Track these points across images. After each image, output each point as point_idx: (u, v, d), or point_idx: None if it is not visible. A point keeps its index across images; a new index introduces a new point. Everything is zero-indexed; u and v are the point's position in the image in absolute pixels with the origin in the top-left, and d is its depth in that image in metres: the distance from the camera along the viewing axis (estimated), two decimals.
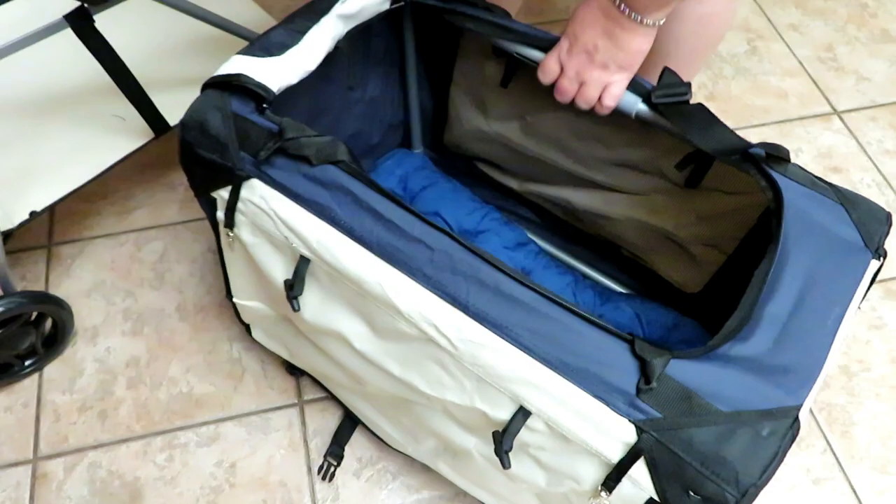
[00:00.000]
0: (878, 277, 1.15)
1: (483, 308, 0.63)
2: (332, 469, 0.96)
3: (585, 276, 1.05)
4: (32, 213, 0.93)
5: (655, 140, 0.88)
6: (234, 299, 0.92)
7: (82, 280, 1.13)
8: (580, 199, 1.02)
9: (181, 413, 1.01)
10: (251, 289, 0.88)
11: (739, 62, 1.47)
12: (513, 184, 1.10)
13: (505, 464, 0.65)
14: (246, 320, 0.97)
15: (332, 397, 1.01)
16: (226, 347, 1.07)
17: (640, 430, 0.58)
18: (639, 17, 0.72)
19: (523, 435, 0.66)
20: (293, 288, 0.74)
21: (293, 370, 1.03)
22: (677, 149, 0.87)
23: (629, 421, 0.59)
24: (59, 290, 1.11)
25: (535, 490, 0.75)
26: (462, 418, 0.73)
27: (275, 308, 0.88)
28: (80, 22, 0.82)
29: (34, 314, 0.98)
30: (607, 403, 0.60)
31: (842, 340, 0.65)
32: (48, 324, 1.01)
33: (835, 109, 1.41)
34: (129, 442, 0.98)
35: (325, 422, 1.01)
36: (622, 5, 0.71)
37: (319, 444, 0.99)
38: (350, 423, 0.99)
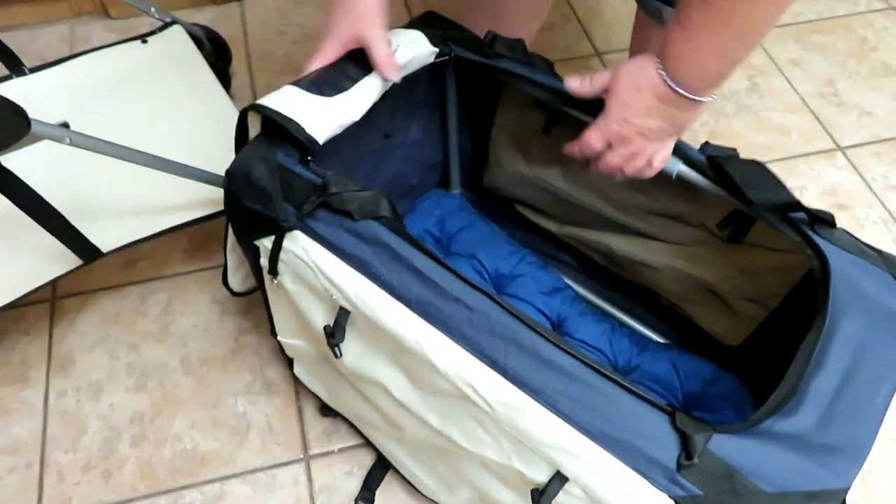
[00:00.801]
0: None
1: (521, 372, 0.63)
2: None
3: (622, 324, 1.04)
4: None
5: (697, 195, 0.87)
6: (279, 337, 0.93)
7: (87, 334, 1.12)
8: (620, 245, 1.01)
9: (186, 471, 1.00)
10: (294, 329, 0.89)
11: (740, 99, 1.47)
12: (552, 227, 1.09)
13: None
14: (290, 355, 0.99)
15: (340, 451, 1.00)
16: (231, 402, 1.06)
17: None
18: (698, 97, 0.71)
19: (561, 498, 0.65)
20: (334, 336, 0.74)
21: (326, 412, 1.03)
22: (719, 205, 0.85)
23: (669, 497, 0.57)
24: (63, 344, 1.11)
25: None
26: (500, 473, 0.73)
27: (317, 348, 0.88)
28: None
29: None
30: (646, 477, 0.58)
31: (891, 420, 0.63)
32: None
33: (838, 145, 1.40)
34: (133, 502, 0.97)
35: (331, 477, 0.99)
36: (680, 89, 0.70)
37: (325, 500, 0.98)
38: (381, 467, 0.98)
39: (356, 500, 0.96)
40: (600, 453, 0.60)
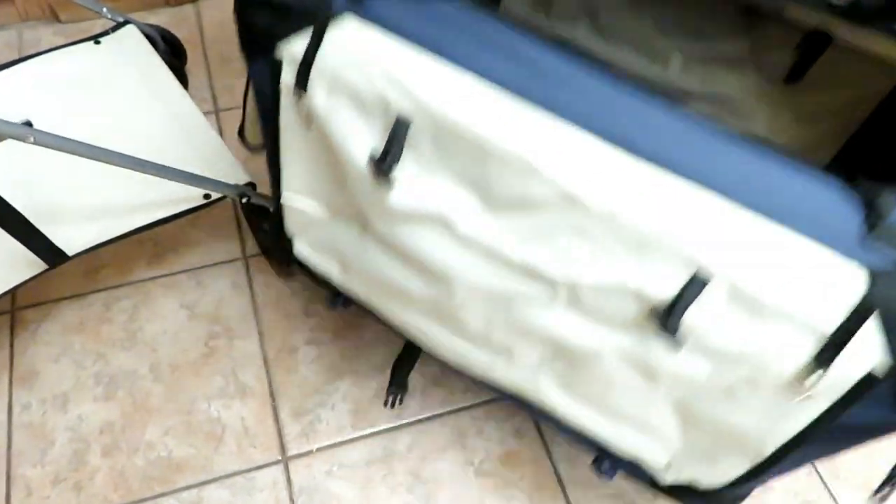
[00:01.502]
0: None
1: (659, 146, 0.51)
2: (400, 397, 0.92)
3: None
4: None
5: (760, 28, 0.79)
6: (284, 195, 0.78)
7: (50, 345, 1.09)
8: None
9: (161, 479, 0.97)
10: (309, 178, 0.74)
11: None
12: None
13: (678, 339, 0.54)
14: (291, 228, 0.83)
15: (319, 451, 0.99)
16: (204, 406, 1.04)
17: (874, 278, 0.46)
18: None
19: (693, 314, 0.53)
20: (387, 157, 0.60)
21: (334, 301, 0.88)
22: (786, 35, 0.76)
23: (859, 266, 0.47)
24: (25, 356, 1.07)
25: (683, 392, 0.61)
26: (595, 308, 0.59)
27: (335, 203, 0.74)
28: None
29: None
30: (828, 245, 0.47)
31: None
32: None
33: None
34: None
35: (311, 477, 0.98)
36: None
37: (306, 501, 0.96)
38: (409, 356, 0.90)
39: (388, 390, 0.89)
40: (764, 228, 0.49)
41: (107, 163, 0.85)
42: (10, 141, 0.75)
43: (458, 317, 0.70)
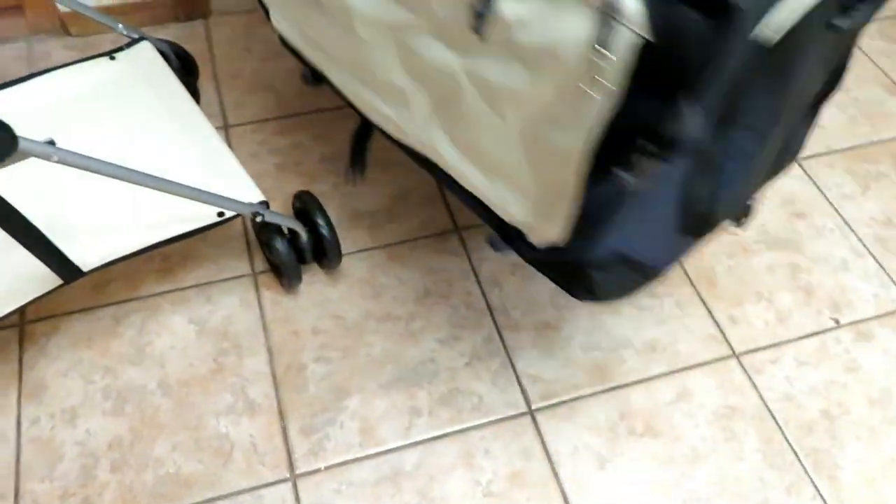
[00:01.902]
0: (849, 321, 1.19)
1: None
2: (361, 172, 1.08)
3: None
4: None
5: None
6: None
7: (59, 359, 1.09)
8: None
9: (169, 495, 0.97)
10: None
11: None
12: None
13: (478, 28, 0.66)
14: (267, 2, 1.03)
15: (327, 469, 1.00)
16: (213, 423, 1.04)
17: None
18: None
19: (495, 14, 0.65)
20: None
21: (313, 78, 1.07)
22: None
23: None
24: (34, 370, 1.07)
25: (522, 123, 0.72)
26: (443, 28, 0.74)
27: None
28: None
29: None
30: None
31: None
32: None
33: None
34: None
35: (319, 496, 0.99)
36: None
37: None
38: (364, 132, 1.07)
39: (350, 165, 1.04)
40: None
41: (125, 181, 0.86)
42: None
43: (367, 64, 0.88)
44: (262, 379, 1.09)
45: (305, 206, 1.13)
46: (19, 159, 0.72)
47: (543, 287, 1.20)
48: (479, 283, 1.21)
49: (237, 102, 1.46)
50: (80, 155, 0.78)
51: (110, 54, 1.23)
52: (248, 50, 1.56)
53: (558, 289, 1.19)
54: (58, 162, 0.76)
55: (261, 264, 1.21)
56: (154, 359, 1.10)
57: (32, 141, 0.73)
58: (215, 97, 1.46)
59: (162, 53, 1.26)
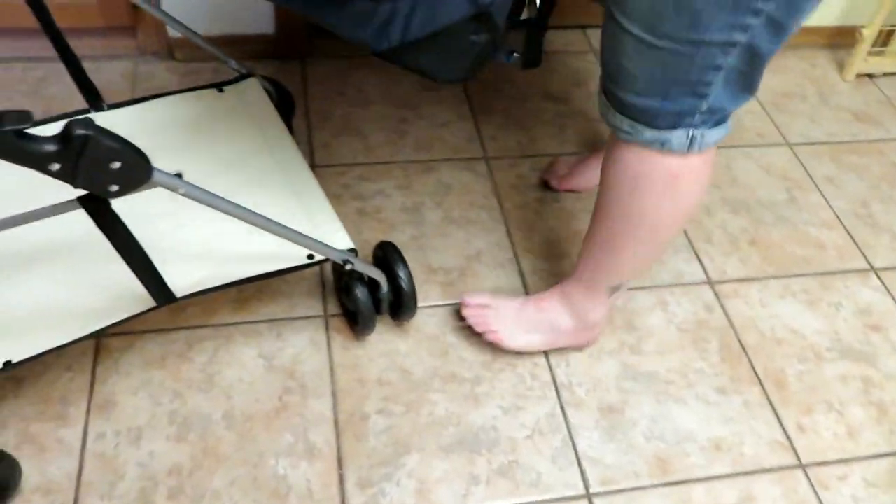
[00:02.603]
0: None
1: None
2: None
3: None
4: (6, 364, 0.91)
5: None
6: None
7: (130, 376, 1.11)
8: None
9: None
10: None
11: (779, 210, 1.52)
12: None
13: None
14: None
15: None
16: (272, 462, 1.04)
17: None
18: None
19: None
20: None
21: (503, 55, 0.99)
22: None
23: None
24: (106, 385, 1.09)
25: None
26: None
27: None
28: (95, 206, 0.78)
29: None
30: None
31: None
32: None
33: (871, 266, 1.45)
34: None
35: None
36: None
37: None
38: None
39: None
40: None
41: (236, 218, 0.88)
42: None
43: None
44: (324, 423, 1.09)
45: (388, 257, 1.14)
46: (148, 188, 0.75)
47: (611, 367, 1.19)
48: (546, 355, 1.20)
49: (325, 143, 1.50)
50: (204, 190, 0.81)
51: (219, 87, 1.28)
52: (341, 94, 1.61)
53: (625, 371, 1.19)
54: (182, 195, 0.79)
55: (333, 307, 1.23)
56: (222, 389, 1.11)
57: (164, 172, 0.76)
58: (305, 136, 1.50)
59: (266, 91, 1.30)
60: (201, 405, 1.09)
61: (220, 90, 1.27)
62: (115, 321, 0.96)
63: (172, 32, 1.58)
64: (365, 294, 1.11)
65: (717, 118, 0.87)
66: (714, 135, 0.88)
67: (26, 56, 1.57)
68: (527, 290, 1.29)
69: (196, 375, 1.12)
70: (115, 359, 1.12)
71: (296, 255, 1.05)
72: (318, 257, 1.05)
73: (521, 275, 1.31)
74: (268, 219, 0.92)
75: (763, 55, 0.79)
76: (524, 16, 0.88)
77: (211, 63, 1.61)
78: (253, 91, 1.28)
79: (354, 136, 1.52)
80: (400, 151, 1.50)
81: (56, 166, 0.68)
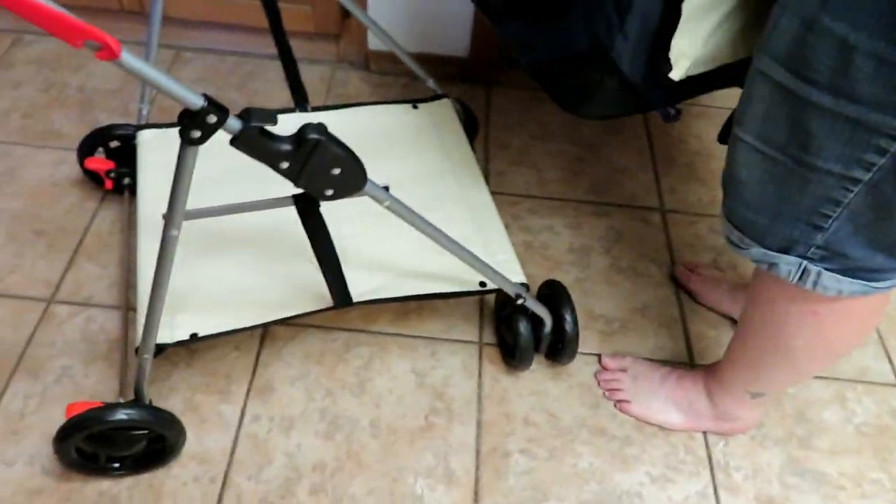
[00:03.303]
0: None
1: None
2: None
3: None
4: (193, 336, 0.96)
5: None
6: None
7: (290, 366, 1.14)
8: None
9: None
10: None
11: None
12: None
13: None
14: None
15: None
16: (410, 480, 1.04)
17: None
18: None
19: None
20: None
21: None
22: None
23: None
24: (267, 369, 1.14)
25: None
26: None
27: None
28: (306, 205, 0.84)
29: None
30: None
31: None
32: (162, 442, 0.99)
33: None
34: None
35: None
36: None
37: None
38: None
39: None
40: None
41: (424, 234, 0.89)
42: None
43: None
44: (466, 452, 1.07)
45: (554, 297, 1.12)
46: (356, 196, 0.77)
47: (775, 457, 1.10)
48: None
49: (500, 171, 1.50)
50: (407, 208, 0.82)
51: (414, 103, 1.31)
52: (522, 125, 1.61)
53: (790, 464, 1.09)
54: (386, 208, 0.80)
55: (488, 336, 1.22)
56: (372, 396, 1.12)
57: (375, 184, 0.78)
58: (481, 162, 1.51)
59: (456, 112, 1.32)
60: (351, 408, 1.11)
61: (415, 106, 1.31)
62: (293, 314, 0.99)
63: (372, 45, 1.64)
64: (528, 330, 1.10)
65: (844, 264, 0.74)
66: (839, 282, 0.75)
67: (240, 51, 1.69)
68: (691, 356, 1.22)
69: (350, 378, 1.14)
70: (279, 347, 1.17)
71: (469, 281, 1.05)
72: (491, 286, 1.04)
73: (687, 338, 1.25)
74: (456, 242, 0.92)
75: (888, 209, 0.67)
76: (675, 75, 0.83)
77: (402, 78, 1.67)
78: (445, 111, 1.31)
79: (530, 168, 1.52)
80: (574, 190, 1.48)
81: (285, 164, 0.71)
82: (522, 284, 1.05)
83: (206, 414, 1.08)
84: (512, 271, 1.07)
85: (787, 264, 0.76)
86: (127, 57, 0.58)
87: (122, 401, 0.93)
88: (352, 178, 0.75)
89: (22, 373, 1.10)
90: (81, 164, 1.27)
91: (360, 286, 1.02)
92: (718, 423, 1.09)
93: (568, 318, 1.10)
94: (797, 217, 0.72)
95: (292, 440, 1.06)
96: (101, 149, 1.26)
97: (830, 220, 0.70)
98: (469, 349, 1.20)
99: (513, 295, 1.03)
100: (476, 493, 1.04)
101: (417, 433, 1.09)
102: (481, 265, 0.98)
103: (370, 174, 0.77)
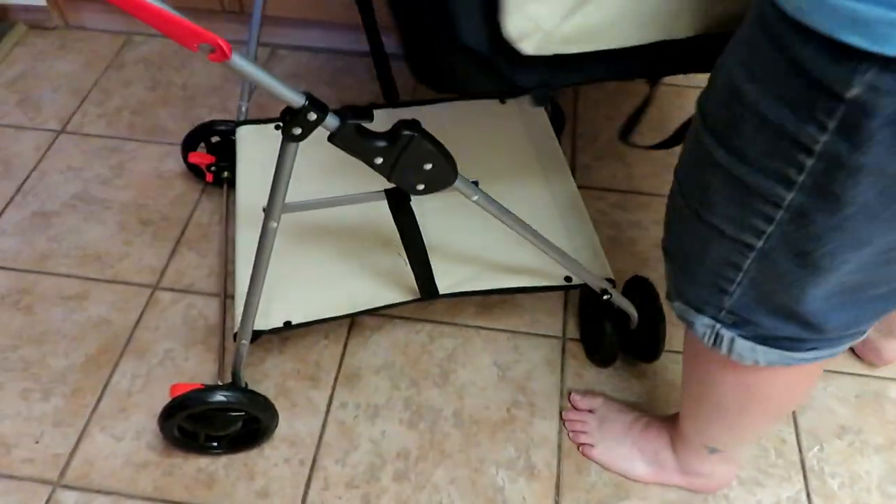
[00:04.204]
0: None
1: None
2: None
3: None
4: (286, 324, 1.00)
5: None
6: None
7: (376, 356, 1.18)
8: None
9: None
10: None
11: None
12: None
13: None
14: None
15: None
16: (492, 471, 1.05)
17: None
18: None
19: None
20: None
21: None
22: None
23: None
24: (354, 358, 1.17)
25: None
26: None
27: None
28: (397, 199, 0.86)
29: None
30: None
31: None
32: (256, 424, 1.03)
33: None
34: None
35: None
36: None
37: None
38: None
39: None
40: None
41: (516, 232, 0.89)
42: None
43: None
44: (548, 446, 1.08)
45: (643, 294, 1.10)
46: (446, 190, 0.78)
47: (875, 465, 1.05)
48: (797, 433, 1.09)
49: (586, 165, 1.49)
50: (494, 201, 0.83)
51: (501, 98, 1.32)
52: (610, 118, 1.58)
53: (891, 471, 1.04)
54: (475, 202, 0.82)
55: (572, 330, 1.21)
56: (455, 387, 1.14)
57: (465, 179, 0.79)
58: (568, 156, 1.49)
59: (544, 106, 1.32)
60: (434, 398, 1.13)
61: (503, 101, 1.31)
62: (382, 305, 1.02)
63: None
64: (612, 327, 1.08)
65: (755, 332, 0.67)
66: (754, 351, 0.68)
67: (333, 47, 1.74)
68: None
69: (433, 369, 1.16)
70: (366, 336, 1.20)
71: (554, 275, 1.05)
72: (577, 281, 1.04)
73: None
74: (542, 237, 0.92)
75: (787, 280, 0.59)
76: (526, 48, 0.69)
77: None
78: (533, 107, 1.30)
79: (617, 162, 1.49)
80: (664, 186, 1.44)
81: (379, 160, 0.73)
82: (608, 280, 1.04)
83: (296, 399, 1.12)
84: (597, 266, 1.06)
85: (702, 325, 0.70)
86: (236, 58, 0.61)
87: (220, 383, 0.98)
88: (443, 173, 0.77)
89: (130, 354, 1.18)
90: (185, 158, 1.34)
91: (447, 279, 1.04)
92: (685, 477, 1.01)
93: (654, 315, 1.08)
94: (705, 276, 0.66)
95: (377, 427, 1.09)
96: (202, 143, 1.33)
97: (734, 285, 0.64)
98: (552, 343, 1.20)
99: (598, 290, 1.02)
100: (557, 487, 1.04)
101: (499, 425, 1.10)
102: (567, 260, 0.98)
103: (459, 169, 0.78)
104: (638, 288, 1.12)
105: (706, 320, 0.69)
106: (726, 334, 0.69)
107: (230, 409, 0.97)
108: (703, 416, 0.88)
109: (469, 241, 1.10)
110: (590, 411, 1.09)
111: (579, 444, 1.07)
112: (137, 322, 1.22)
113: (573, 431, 1.08)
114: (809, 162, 0.50)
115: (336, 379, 1.15)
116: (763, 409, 0.79)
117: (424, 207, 1.10)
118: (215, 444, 1.04)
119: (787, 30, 0.47)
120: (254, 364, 1.16)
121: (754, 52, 0.51)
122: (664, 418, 1.03)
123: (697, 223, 0.62)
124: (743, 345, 0.68)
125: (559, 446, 1.08)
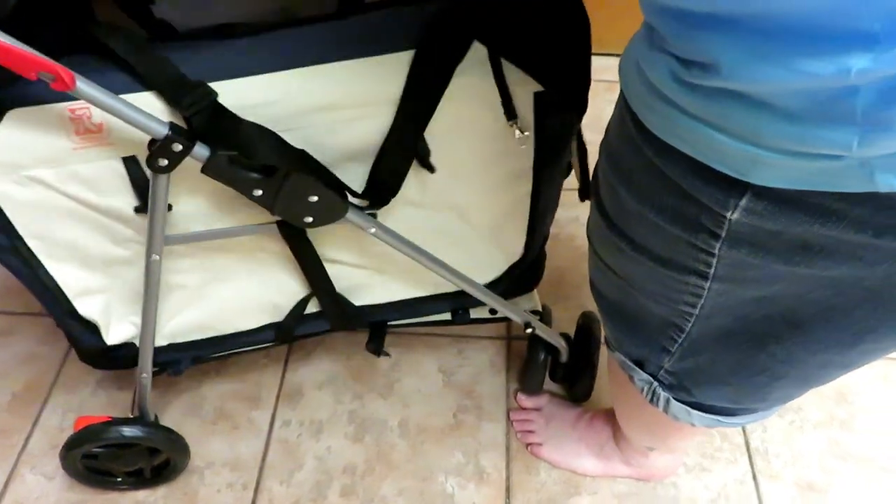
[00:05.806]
0: None
1: None
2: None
3: None
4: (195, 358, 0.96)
5: None
6: None
7: (318, 370, 1.15)
8: None
9: None
10: None
11: None
12: None
13: None
14: None
15: None
16: (440, 479, 1.04)
17: None
18: None
19: None
20: None
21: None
22: None
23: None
24: (296, 374, 1.15)
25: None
26: None
27: None
28: (289, 229, 0.80)
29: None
30: None
31: None
32: (162, 456, 0.99)
33: None
34: None
35: None
36: None
37: None
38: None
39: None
40: None
41: (419, 263, 0.85)
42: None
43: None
44: (496, 449, 1.07)
45: (588, 330, 1.07)
46: (342, 223, 0.75)
47: (815, 442, 1.07)
48: None
49: None
50: (394, 233, 0.78)
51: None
52: None
53: (831, 448, 1.06)
54: (373, 235, 0.77)
55: (516, 330, 1.21)
56: (400, 396, 1.12)
57: (357, 210, 0.74)
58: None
59: None
60: (379, 410, 1.11)
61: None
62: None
63: None
64: (541, 356, 1.04)
65: (690, 398, 0.67)
66: (689, 415, 0.68)
67: None
68: None
69: (378, 380, 1.14)
70: (307, 351, 1.17)
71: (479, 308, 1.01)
72: (501, 315, 1.00)
73: None
74: (454, 270, 0.87)
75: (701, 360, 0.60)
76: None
77: None
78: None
79: None
80: None
81: (258, 192, 0.68)
82: (534, 311, 1.01)
83: (237, 420, 1.09)
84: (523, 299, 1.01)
85: (641, 381, 0.69)
86: (82, 85, 0.56)
87: (130, 416, 0.94)
88: (330, 206, 0.72)
89: (60, 387, 1.13)
90: None
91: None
92: (631, 468, 1.01)
93: (591, 360, 1.06)
94: (645, 339, 0.64)
95: (322, 443, 1.07)
96: None
97: (676, 345, 0.61)
98: (496, 345, 1.19)
99: (522, 323, 0.97)
100: (507, 490, 1.03)
101: (447, 432, 1.09)
102: (486, 295, 0.92)
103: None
104: (588, 323, 1.08)
105: (645, 376, 0.69)
106: (662, 394, 0.68)
107: (132, 445, 0.93)
108: (633, 429, 0.89)
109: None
110: (536, 409, 1.08)
111: (528, 444, 1.06)
112: (66, 353, 1.17)
113: (521, 431, 1.07)
114: (713, 260, 0.49)
115: (278, 397, 1.12)
116: (693, 431, 0.78)
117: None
118: (119, 479, 0.99)
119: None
120: (190, 389, 1.12)
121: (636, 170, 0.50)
122: (608, 411, 1.03)
123: (631, 293, 0.61)
124: (678, 407, 0.68)
125: (507, 448, 1.07)
